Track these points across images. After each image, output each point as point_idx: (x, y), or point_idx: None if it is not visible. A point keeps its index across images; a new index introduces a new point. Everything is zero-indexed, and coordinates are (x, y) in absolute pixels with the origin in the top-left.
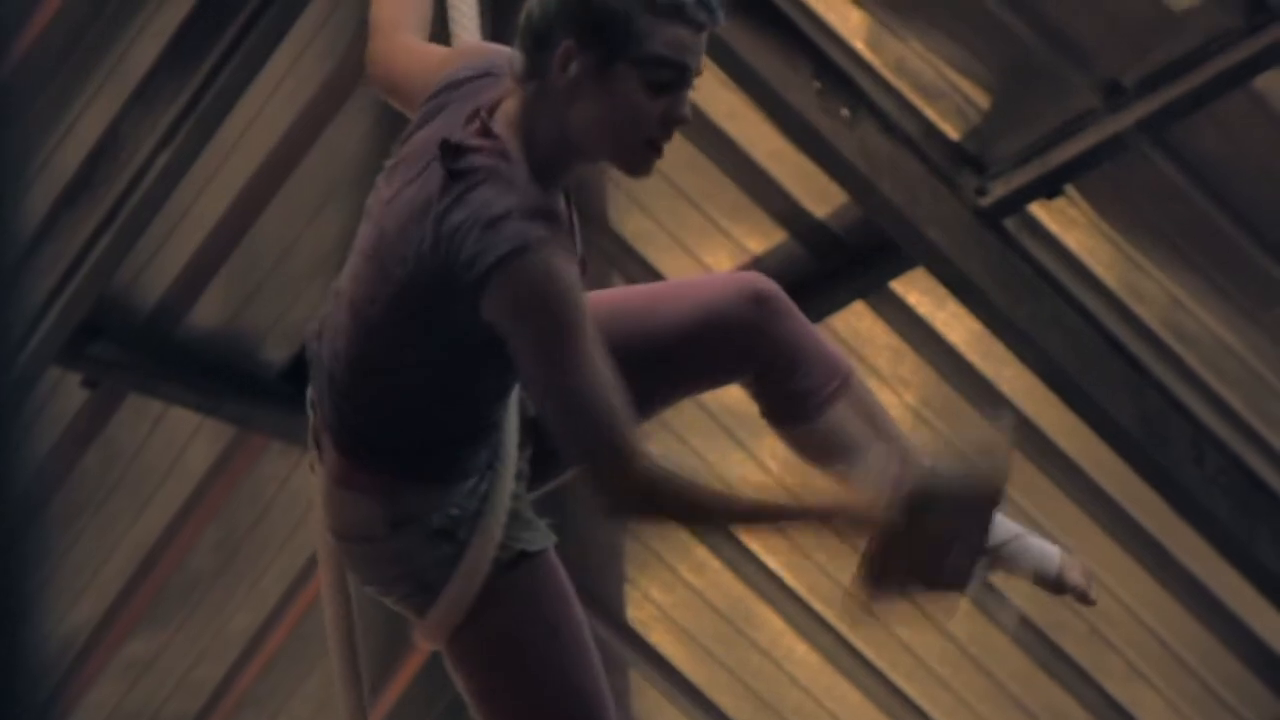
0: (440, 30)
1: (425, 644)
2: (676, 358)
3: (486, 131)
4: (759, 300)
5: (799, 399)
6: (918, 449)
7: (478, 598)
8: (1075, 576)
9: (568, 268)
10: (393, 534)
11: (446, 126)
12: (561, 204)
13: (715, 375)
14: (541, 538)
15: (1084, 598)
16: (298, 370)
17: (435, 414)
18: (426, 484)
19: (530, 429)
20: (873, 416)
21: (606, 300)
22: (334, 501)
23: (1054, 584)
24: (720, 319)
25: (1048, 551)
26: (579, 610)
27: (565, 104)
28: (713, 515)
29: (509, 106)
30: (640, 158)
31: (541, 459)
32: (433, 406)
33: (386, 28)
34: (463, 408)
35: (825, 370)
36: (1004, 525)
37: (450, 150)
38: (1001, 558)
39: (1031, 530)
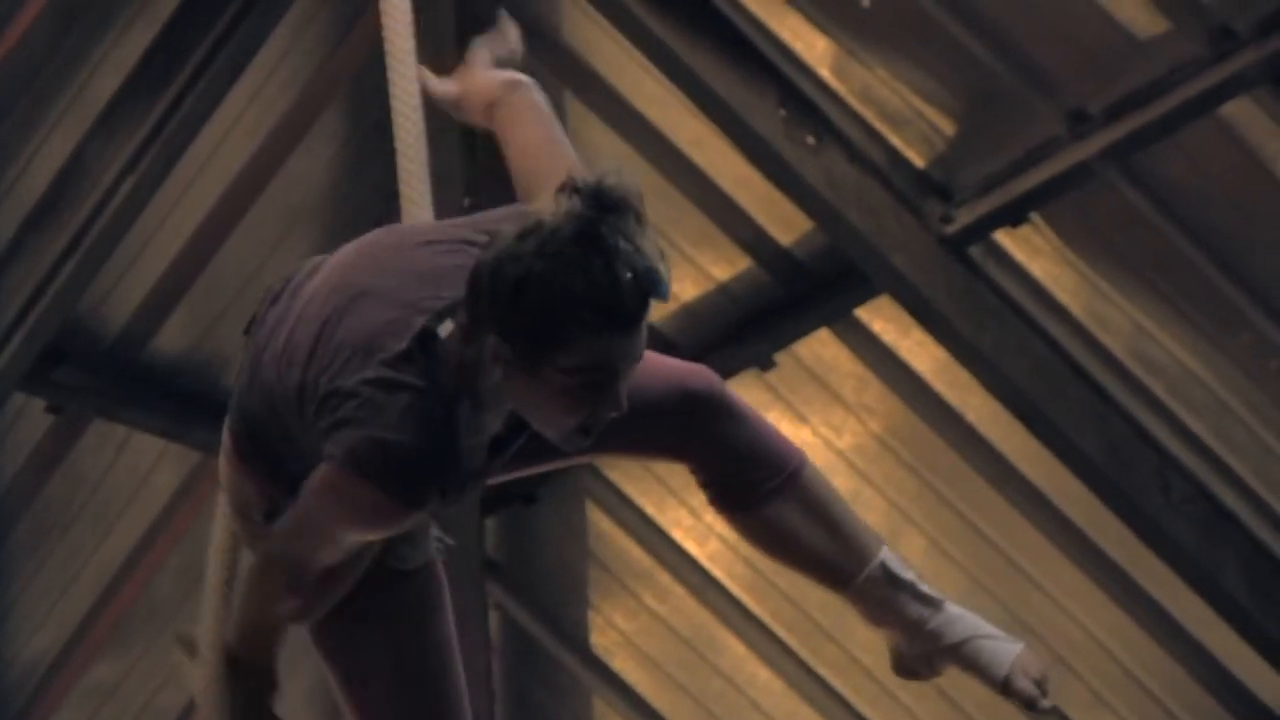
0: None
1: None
2: (615, 433)
3: (461, 340)
4: (696, 406)
5: (738, 491)
6: (876, 536)
7: (341, 603)
8: (1024, 684)
9: (372, 507)
10: (268, 523)
11: (454, 283)
12: (484, 426)
13: (651, 457)
14: (420, 555)
15: (1031, 705)
16: None
17: (308, 455)
18: (288, 486)
19: None
20: (826, 507)
21: None
22: (224, 474)
23: (1001, 688)
24: (658, 417)
25: (1000, 655)
26: (444, 631)
27: (498, 380)
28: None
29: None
30: (572, 440)
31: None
32: (306, 450)
33: (526, 98)
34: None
35: (768, 465)
36: (964, 621)
37: (428, 339)
38: (957, 655)
39: (993, 633)
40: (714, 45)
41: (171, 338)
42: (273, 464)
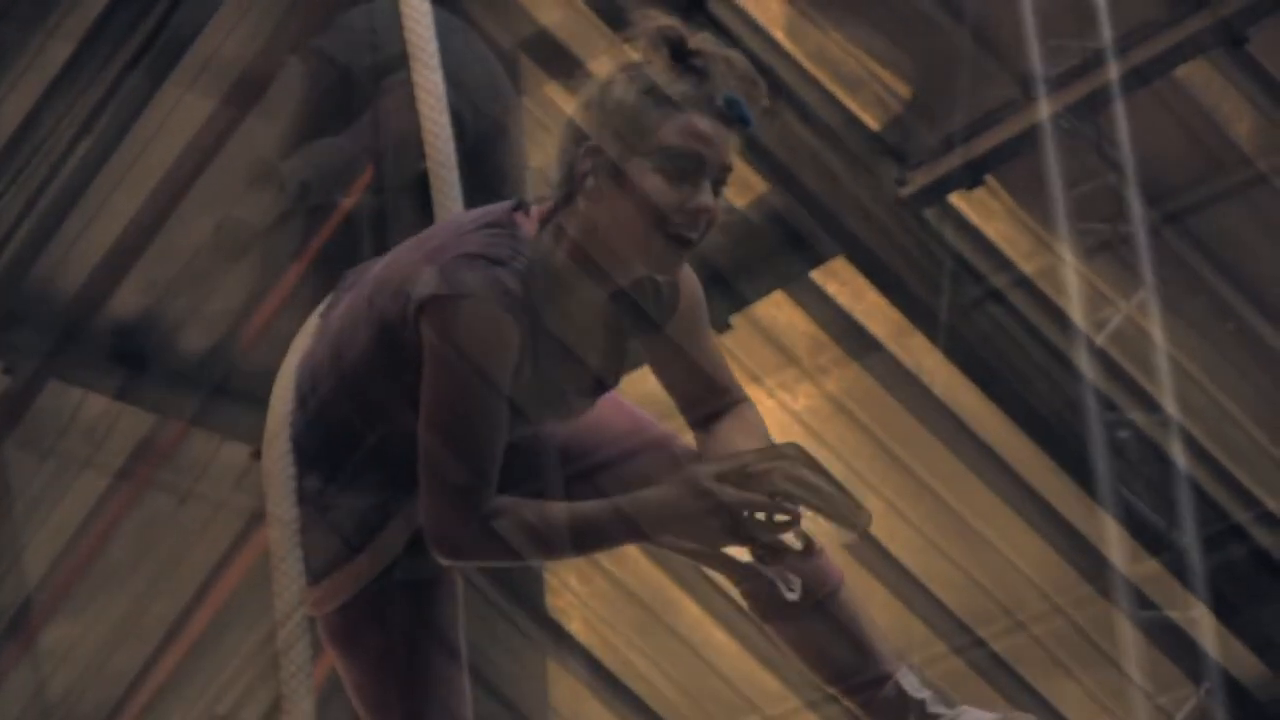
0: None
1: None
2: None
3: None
4: None
5: (778, 604)
6: (896, 653)
7: (351, 599)
8: None
9: (490, 326)
10: (299, 503)
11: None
12: (572, 305)
13: (684, 553)
14: (433, 566)
15: None
16: (216, 358)
17: (346, 433)
18: (324, 480)
19: None
20: (856, 625)
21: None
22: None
23: None
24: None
25: None
26: (448, 644)
27: (590, 204)
28: (552, 551)
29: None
30: (663, 252)
31: None
32: (352, 428)
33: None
34: (372, 445)
35: (808, 582)
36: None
37: (521, 205)
38: None
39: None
40: (667, 6)
41: (127, 300)
42: (307, 425)
